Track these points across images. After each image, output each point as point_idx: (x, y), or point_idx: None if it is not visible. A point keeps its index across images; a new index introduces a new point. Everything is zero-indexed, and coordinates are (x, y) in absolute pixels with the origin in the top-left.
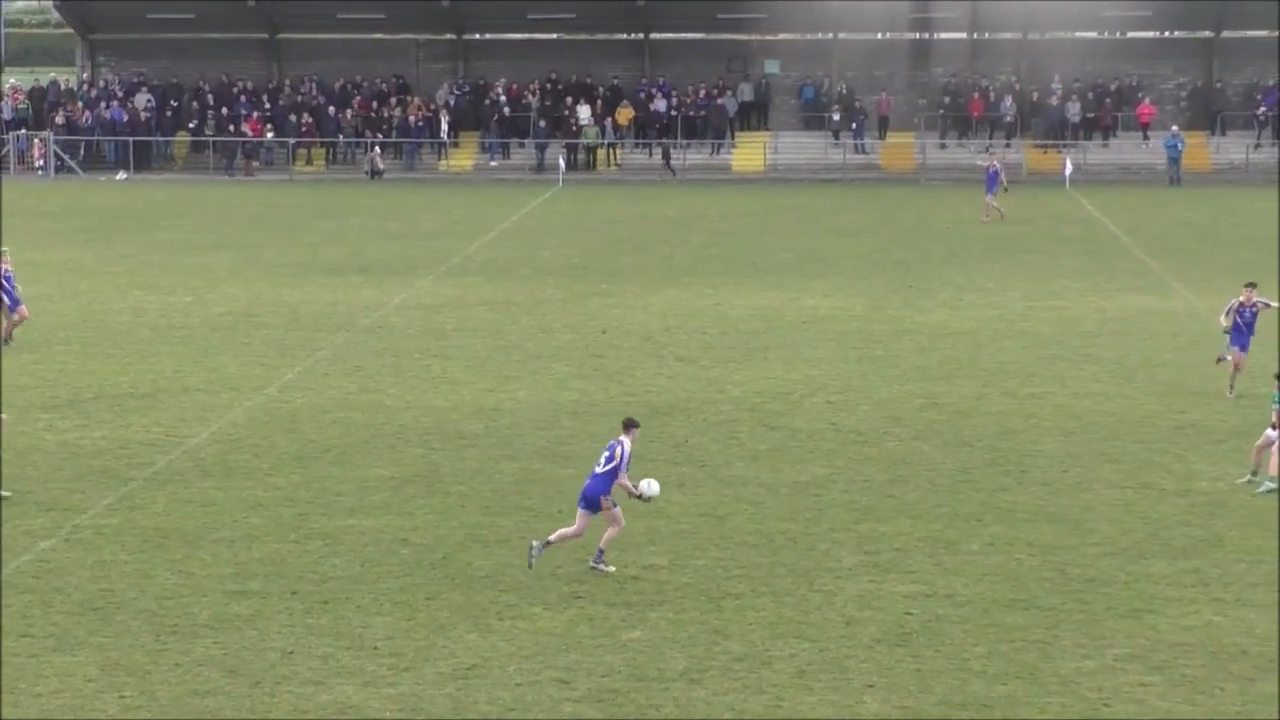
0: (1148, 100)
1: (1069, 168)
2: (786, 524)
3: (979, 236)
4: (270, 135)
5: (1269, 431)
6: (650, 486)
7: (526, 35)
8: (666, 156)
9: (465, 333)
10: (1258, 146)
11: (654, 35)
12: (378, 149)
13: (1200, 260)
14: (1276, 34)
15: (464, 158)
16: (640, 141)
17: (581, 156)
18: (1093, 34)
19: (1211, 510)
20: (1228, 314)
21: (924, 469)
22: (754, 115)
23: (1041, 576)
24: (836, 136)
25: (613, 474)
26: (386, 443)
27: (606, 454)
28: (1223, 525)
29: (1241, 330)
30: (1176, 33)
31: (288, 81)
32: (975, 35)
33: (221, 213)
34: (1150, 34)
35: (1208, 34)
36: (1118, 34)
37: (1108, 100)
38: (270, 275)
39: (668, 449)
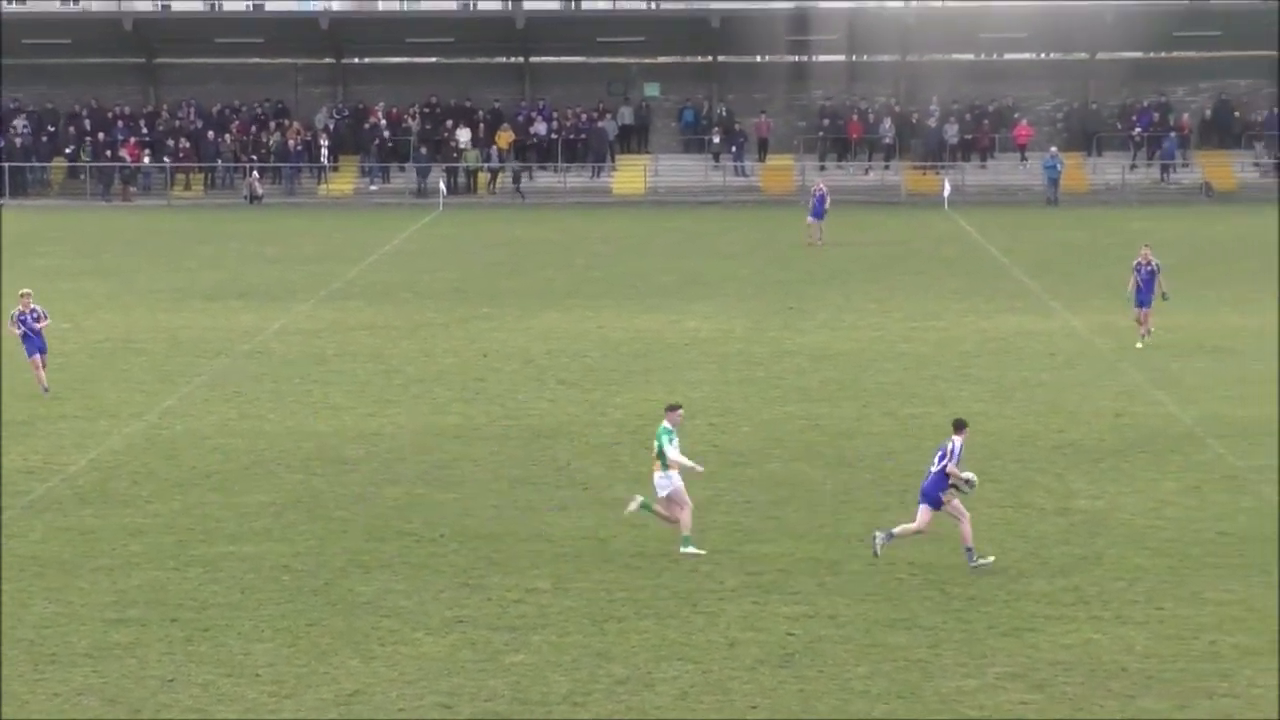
0: (1025, 122)
1: (947, 189)
2: (669, 546)
3: (858, 258)
4: (148, 160)
5: None
6: (973, 477)
7: (406, 59)
8: (517, 180)
9: (346, 357)
10: (1133, 167)
11: (534, 59)
12: (256, 174)
13: (1078, 280)
14: (1151, 55)
15: (344, 182)
16: (522, 164)
17: (462, 180)
18: (970, 56)
19: (1090, 529)
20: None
21: (806, 490)
22: (634, 138)
23: (923, 596)
24: (717, 159)
25: (944, 471)
26: (267, 469)
27: (939, 453)
28: (1101, 543)
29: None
30: (1053, 55)
31: (165, 106)
32: (853, 58)
33: (99, 239)
34: (1027, 56)
35: (1083, 56)
36: (994, 56)
37: (985, 122)
38: (148, 301)
39: (550, 472)
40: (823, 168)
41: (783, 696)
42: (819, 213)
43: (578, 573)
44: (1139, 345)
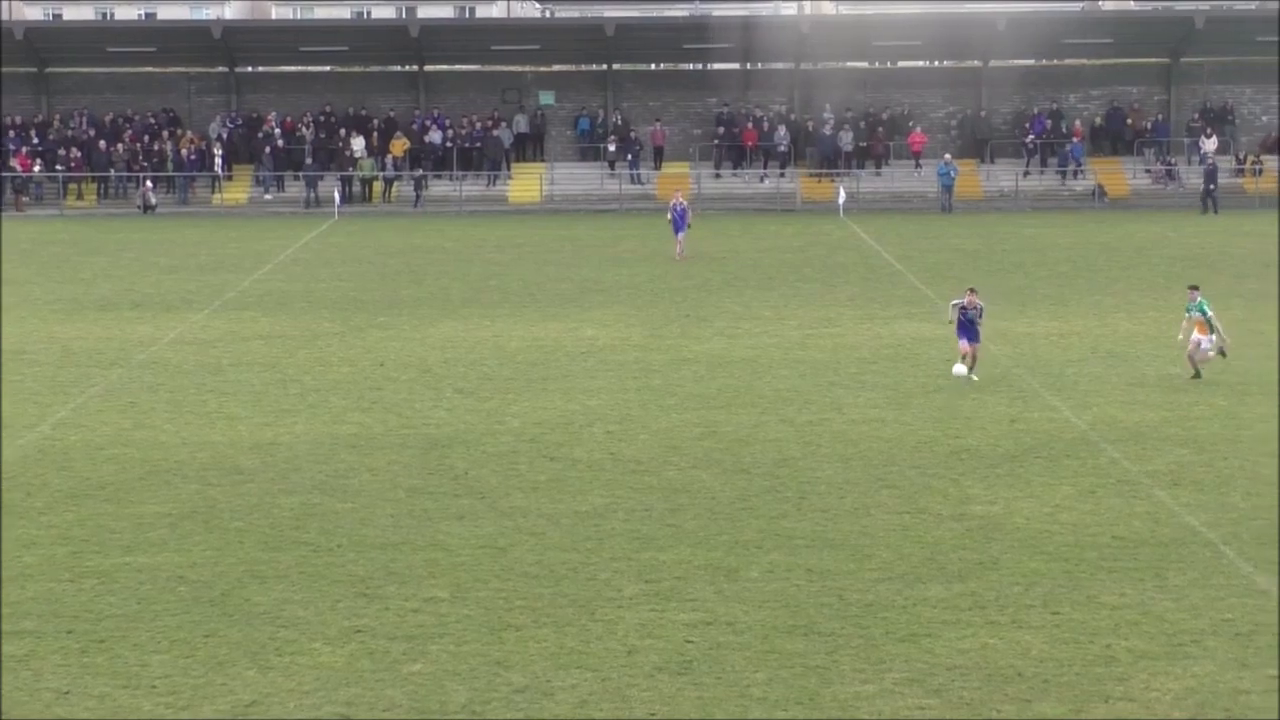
0: (919, 129)
1: (843, 196)
2: (567, 554)
3: (755, 265)
4: (40, 170)
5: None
6: None
7: (300, 68)
8: (419, 189)
9: (241, 367)
10: (1026, 174)
11: (428, 67)
12: (149, 183)
13: (972, 286)
14: (1044, 62)
15: (238, 191)
16: (416, 173)
17: (357, 189)
18: (864, 64)
19: (986, 534)
20: (953, 309)
21: (703, 497)
22: (530, 146)
23: (820, 602)
24: (612, 167)
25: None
26: (162, 479)
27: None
28: (997, 549)
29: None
30: (945, 62)
31: (57, 116)
32: (748, 66)
33: None
34: (920, 63)
35: (975, 64)
36: (888, 64)
37: (880, 129)
38: (41, 312)
39: (447, 481)
40: (718, 175)
41: (681, 704)
42: (680, 226)
43: (476, 582)
44: (974, 377)
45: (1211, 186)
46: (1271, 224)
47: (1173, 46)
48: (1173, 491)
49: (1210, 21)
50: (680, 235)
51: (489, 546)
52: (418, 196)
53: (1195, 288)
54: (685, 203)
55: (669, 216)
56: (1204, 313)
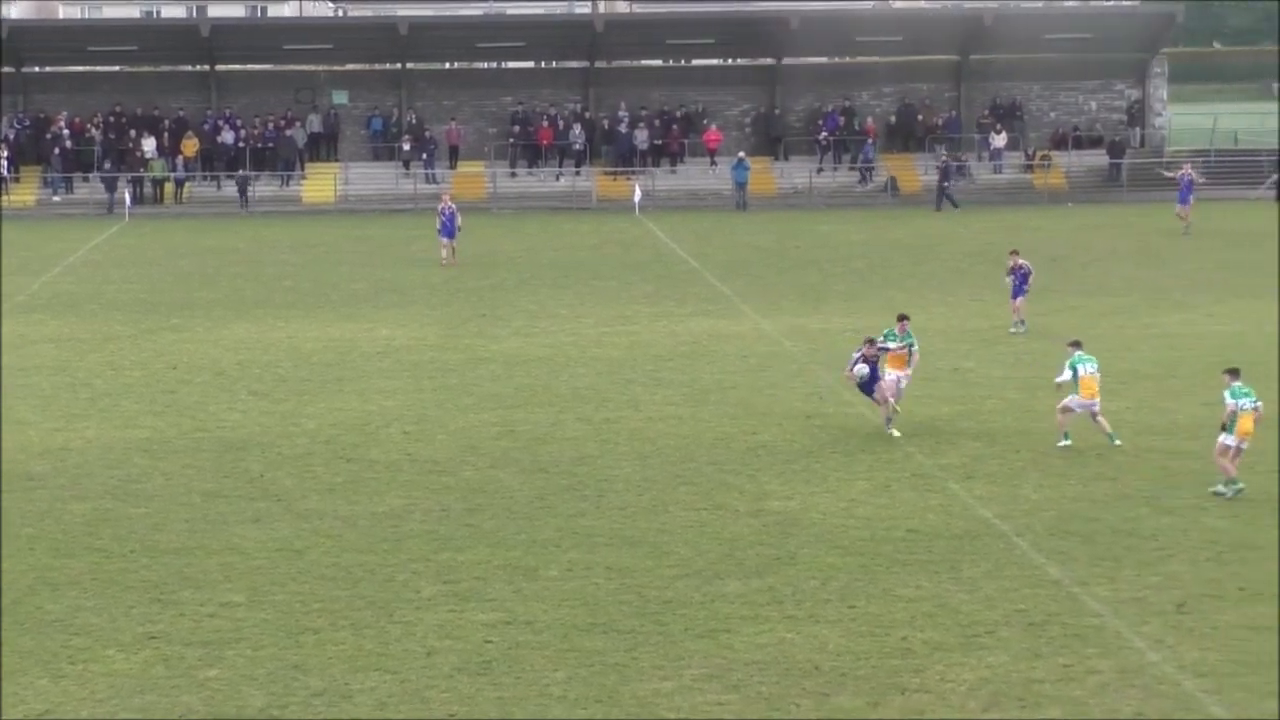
0: (714, 127)
1: (638, 194)
2: (365, 556)
3: (551, 264)
4: None
5: (1222, 437)
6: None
7: (88, 68)
8: (242, 189)
9: (31, 371)
10: (820, 171)
11: (220, 66)
12: None
13: (767, 283)
14: (836, 60)
15: (25, 193)
16: (208, 174)
17: (148, 190)
18: (658, 62)
19: (783, 529)
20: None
21: (501, 497)
22: (323, 146)
23: (620, 600)
24: (407, 166)
25: None
26: None
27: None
28: (794, 543)
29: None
30: (740, 60)
31: None
32: (543, 64)
33: None
34: (714, 61)
35: (769, 61)
36: (682, 61)
37: (675, 127)
38: None
39: (242, 484)
40: (513, 174)
41: (481, 704)
42: (449, 231)
43: (272, 585)
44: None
45: (945, 184)
46: (1056, 218)
47: (962, 44)
48: (966, 484)
49: (999, 19)
50: (449, 239)
51: (285, 549)
52: (241, 196)
53: (905, 318)
54: (454, 206)
55: (438, 222)
56: (909, 345)
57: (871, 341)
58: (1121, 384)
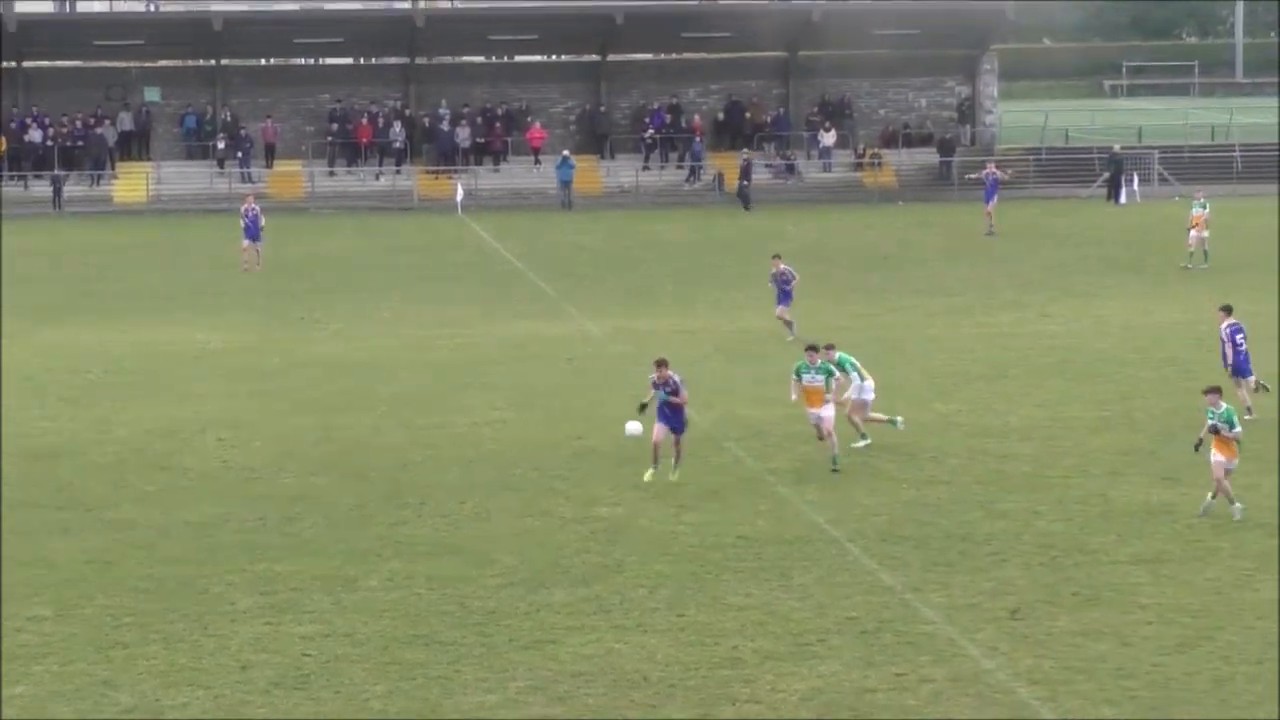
0: (538, 124)
1: (461, 194)
2: (178, 567)
3: (372, 266)
4: None
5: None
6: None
7: None
8: (57, 190)
9: None
10: (646, 169)
11: (27, 63)
12: None
13: (594, 284)
14: (663, 56)
15: None
16: (15, 174)
17: None
18: (481, 58)
19: (610, 537)
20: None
21: (320, 505)
22: (135, 145)
23: (442, 611)
24: (221, 165)
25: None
26: None
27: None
28: (621, 551)
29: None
30: (564, 56)
31: None
32: (362, 60)
33: None
34: (538, 58)
35: (594, 58)
36: (505, 58)
37: (498, 125)
38: None
39: (50, 493)
40: (332, 173)
41: (298, 719)
42: (253, 233)
43: (82, 598)
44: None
45: (745, 183)
46: (887, 217)
47: (790, 40)
48: (797, 489)
49: (827, 16)
50: (253, 243)
51: (96, 561)
52: (56, 196)
53: (831, 347)
54: (258, 208)
55: (242, 223)
56: (845, 369)
57: (662, 364)
58: (954, 385)
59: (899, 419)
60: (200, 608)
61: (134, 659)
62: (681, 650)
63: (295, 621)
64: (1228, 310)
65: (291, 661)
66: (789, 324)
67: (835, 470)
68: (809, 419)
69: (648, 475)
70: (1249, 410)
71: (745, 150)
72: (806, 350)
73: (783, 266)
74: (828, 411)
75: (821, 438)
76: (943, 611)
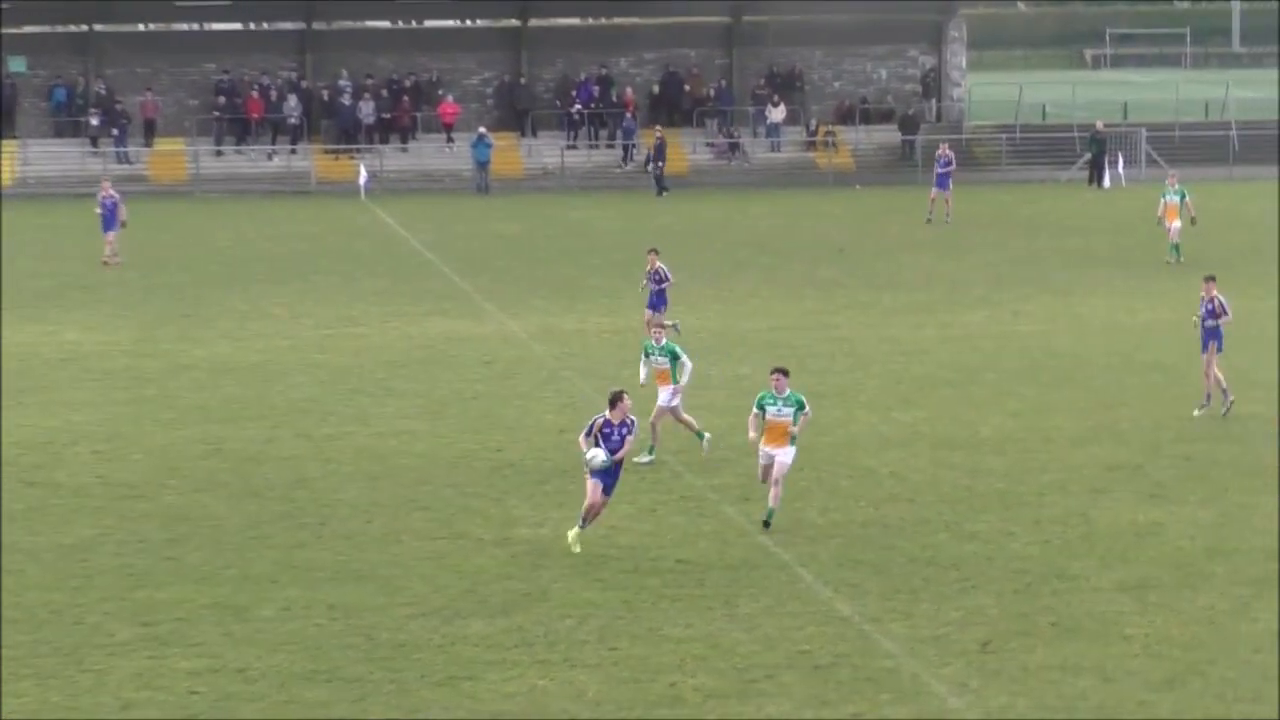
0: (450, 98)
1: (364, 176)
2: (50, 595)
3: (264, 257)
4: None
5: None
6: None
7: None
8: None
9: None
10: (572, 148)
11: None
12: None
13: (514, 278)
14: (590, 21)
15: None
16: None
17: None
18: (385, 23)
19: (533, 561)
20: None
21: (208, 525)
22: None
23: (346, 643)
24: (95, 144)
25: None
26: None
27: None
28: (546, 577)
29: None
30: (479, 21)
31: None
32: (252, 25)
33: None
34: (450, 23)
35: (514, 23)
36: (413, 23)
37: (405, 98)
38: None
39: None
40: (219, 152)
41: None
42: (110, 224)
43: None
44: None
45: (659, 164)
46: (843, 202)
47: (734, 4)
48: (742, 507)
49: None
50: (110, 234)
51: None
52: None
53: (783, 371)
54: (116, 195)
55: (98, 211)
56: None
57: (619, 399)
58: (918, 391)
59: (707, 435)
60: (75, 640)
61: (1, 698)
62: (614, 688)
63: (181, 655)
64: (1211, 280)
65: (177, 700)
66: (666, 324)
67: (767, 525)
68: (759, 458)
69: (573, 538)
70: (1225, 392)
71: (658, 128)
72: (772, 375)
73: (660, 265)
74: (787, 456)
75: (764, 480)
76: (905, 644)
